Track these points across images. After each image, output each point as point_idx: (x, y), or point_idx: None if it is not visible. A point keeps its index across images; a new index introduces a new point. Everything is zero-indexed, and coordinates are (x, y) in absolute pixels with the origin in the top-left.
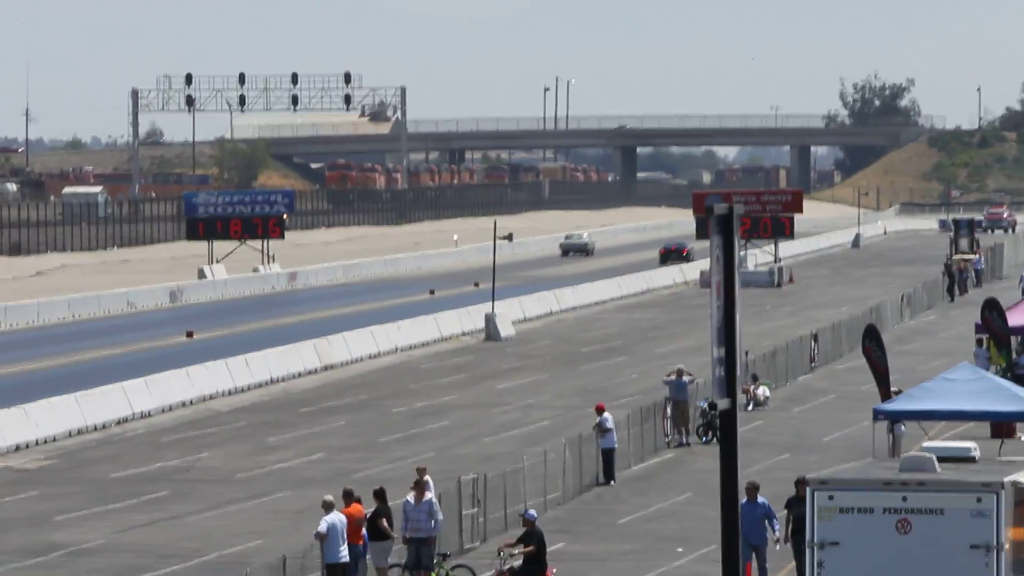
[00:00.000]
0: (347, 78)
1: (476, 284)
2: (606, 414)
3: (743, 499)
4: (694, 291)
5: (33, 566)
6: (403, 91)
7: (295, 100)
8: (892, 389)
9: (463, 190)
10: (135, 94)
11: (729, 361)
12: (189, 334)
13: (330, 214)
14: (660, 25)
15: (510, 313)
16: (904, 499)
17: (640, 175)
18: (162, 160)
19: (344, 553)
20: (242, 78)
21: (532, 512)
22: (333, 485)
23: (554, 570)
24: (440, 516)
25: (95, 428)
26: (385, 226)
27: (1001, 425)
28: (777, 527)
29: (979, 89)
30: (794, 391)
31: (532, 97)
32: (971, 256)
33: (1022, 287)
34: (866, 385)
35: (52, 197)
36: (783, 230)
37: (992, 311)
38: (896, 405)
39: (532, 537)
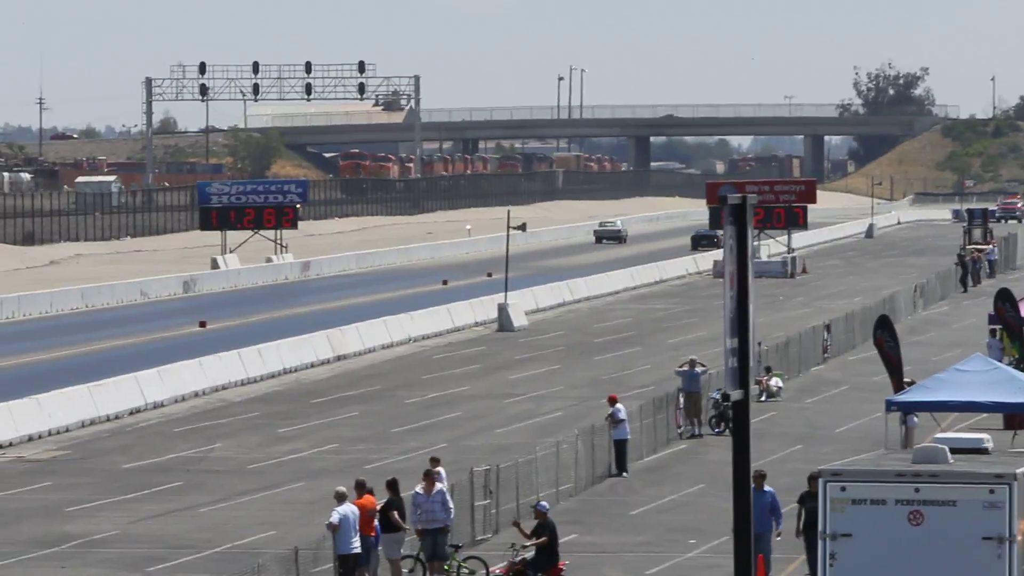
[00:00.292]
0: (361, 67)
1: (489, 274)
2: (619, 405)
3: None
4: (707, 281)
5: (46, 556)
6: (417, 80)
7: (309, 89)
8: (905, 380)
9: (476, 180)
10: (149, 83)
11: (742, 352)
12: (202, 324)
13: (343, 204)
14: (673, 15)
15: (523, 303)
16: (917, 490)
17: (654, 165)
18: (176, 149)
19: (356, 544)
20: (256, 67)
21: (544, 503)
22: (345, 476)
23: (566, 562)
24: (451, 505)
25: (108, 418)
26: (398, 216)
27: (1014, 416)
28: (780, 521)
29: (993, 78)
30: (807, 382)
31: (546, 87)
32: (985, 246)
33: None
34: (879, 376)
35: (66, 186)
36: (796, 220)
37: (1005, 302)
38: (909, 396)
39: (544, 528)
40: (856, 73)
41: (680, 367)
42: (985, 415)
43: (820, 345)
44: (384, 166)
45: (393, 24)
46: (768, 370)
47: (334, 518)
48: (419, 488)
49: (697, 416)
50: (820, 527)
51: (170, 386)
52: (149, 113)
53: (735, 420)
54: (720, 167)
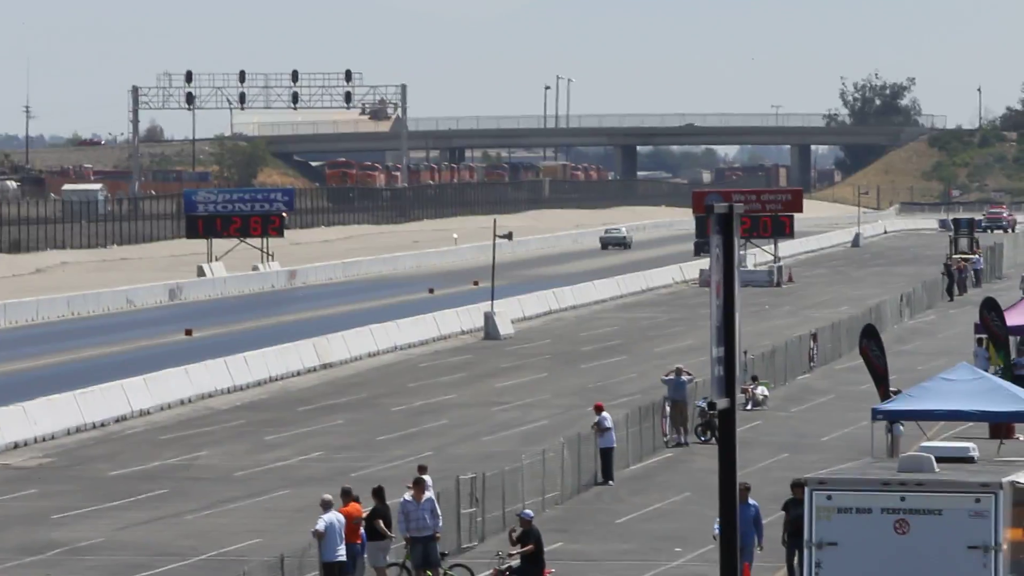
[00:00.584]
0: (347, 76)
1: (475, 283)
2: (605, 413)
3: None
4: (693, 290)
5: (32, 564)
6: (403, 89)
7: (295, 98)
8: (891, 389)
9: (463, 188)
10: (135, 91)
11: (728, 360)
12: (188, 332)
13: (330, 212)
14: (661, 24)
15: (509, 312)
16: (903, 499)
17: (640, 174)
18: (162, 158)
19: (341, 552)
20: (242, 76)
21: (528, 512)
22: (331, 484)
23: (552, 570)
24: (439, 512)
25: (94, 426)
26: (385, 224)
27: (1000, 425)
28: (761, 535)
29: (979, 88)
30: (793, 391)
31: (532, 95)
32: (971, 256)
33: (1022, 287)
34: (865, 385)
35: (52, 194)
36: (783, 229)
37: (991, 311)
38: (895, 405)
39: (529, 536)
40: (843, 83)
41: (666, 376)
42: (971, 424)
43: (806, 354)
44: (371, 175)
45: (380, 33)
46: (754, 379)
47: (320, 526)
48: (408, 496)
49: (683, 425)
50: (806, 535)
51: (156, 394)
52: (135, 121)
53: (721, 429)
54: (707, 176)
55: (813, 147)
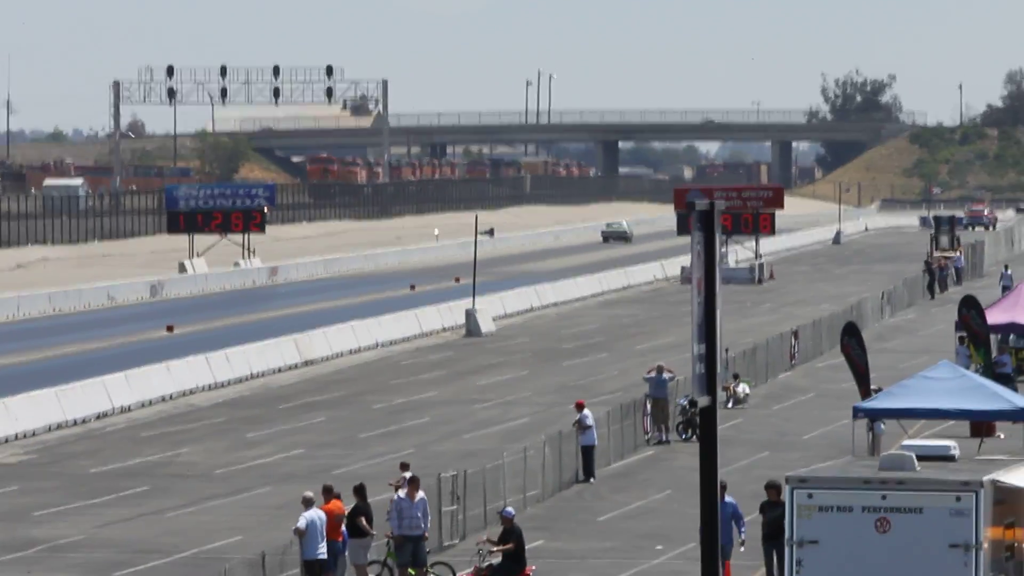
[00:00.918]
0: (329, 71)
1: (457, 279)
2: (586, 411)
3: None
4: (674, 287)
5: (12, 561)
6: (385, 84)
7: (276, 93)
8: (872, 387)
9: (444, 184)
10: (116, 86)
11: (709, 358)
12: (169, 328)
13: (311, 208)
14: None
15: (490, 309)
16: (883, 497)
17: (622, 170)
18: (143, 153)
19: (323, 550)
20: (223, 71)
21: (509, 510)
22: (313, 481)
23: (533, 567)
24: (429, 513)
25: (75, 423)
26: (366, 220)
27: (980, 424)
28: (743, 530)
29: (960, 85)
30: (774, 389)
31: (514, 92)
32: (952, 253)
33: (1002, 284)
34: (846, 383)
35: (33, 189)
36: (764, 226)
37: (971, 309)
38: (876, 403)
39: (511, 535)
40: (824, 80)
41: (648, 373)
42: (952, 422)
43: (787, 352)
44: (352, 170)
45: (361, 28)
46: (736, 377)
47: (301, 523)
48: (402, 494)
49: (665, 422)
50: (787, 534)
51: (137, 390)
52: (117, 116)
53: (702, 426)
54: (688, 173)
55: (794, 144)
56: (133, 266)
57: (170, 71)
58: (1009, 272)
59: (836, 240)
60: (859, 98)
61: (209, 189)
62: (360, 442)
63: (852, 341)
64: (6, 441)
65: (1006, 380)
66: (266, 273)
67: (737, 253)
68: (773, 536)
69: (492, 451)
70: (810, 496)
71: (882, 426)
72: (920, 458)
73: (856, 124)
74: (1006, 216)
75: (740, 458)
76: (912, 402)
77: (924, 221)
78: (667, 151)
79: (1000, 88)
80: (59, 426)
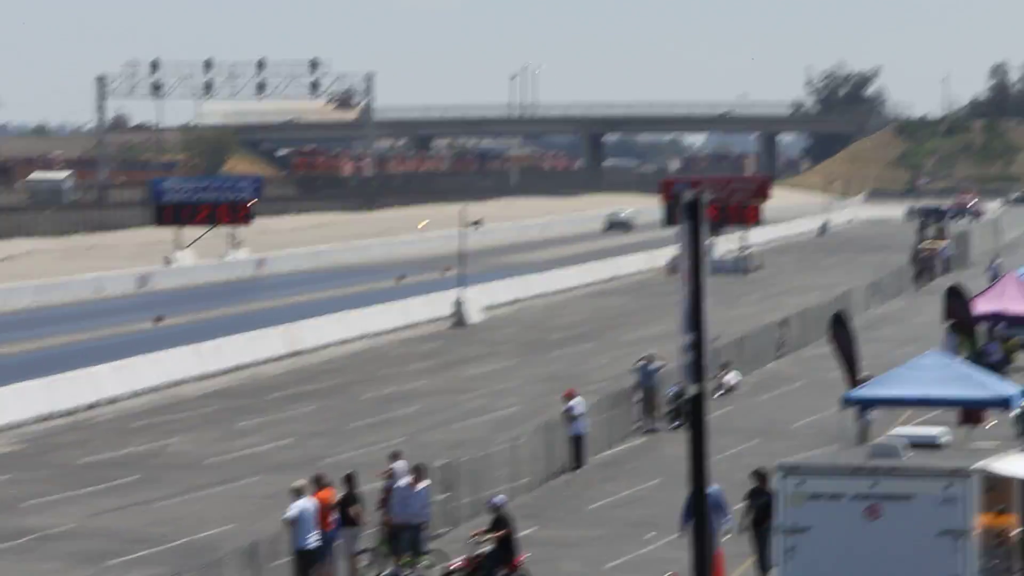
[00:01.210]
0: (314, 64)
1: (446, 269)
2: (575, 400)
3: None
4: (662, 278)
5: (3, 551)
6: (370, 78)
7: (262, 86)
8: (863, 374)
9: (430, 177)
10: (102, 80)
11: (698, 347)
12: (157, 319)
13: (297, 200)
14: (628, 12)
15: (478, 300)
16: (874, 485)
17: (607, 162)
18: (129, 146)
19: (314, 539)
20: (208, 64)
21: (499, 498)
22: (303, 470)
23: (525, 555)
24: (429, 503)
25: (64, 413)
26: (352, 213)
27: (970, 412)
28: (728, 518)
29: (945, 78)
30: (763, 377)
31: (500, 84)
32: (939, 243)
33: (989, 274)
34: (835, 372)
35: (19, 182)
36: (751, 217)
37: (956, 298)
38: (865, 392)
39: (502, 522)
40: (809, 72)
41: (636, 363)
42: (941, 410)
43: (775, 341)
44: (338, 163)
45: (346, 22)
46: (725, 365)
47: (291, 513)
48: (404, 482)
49: (654, 411)
50: (777, 521)
51: (126, 381)
52: (102, 110)
53: (692, 415)
54: (674, 164)
55: (780, 136)
56: (120, 258)
57: (155, 65)
58: (997, 262)
59: (823, 231)
60: (844, 90)
61: (195, 182)
62: (349, 431)
63: (840, 330)
64: None
65: (994, 368)
66: (253, 265)
67: (724, 243)
68: (759, 524)
69: (482, 440)
70: (800, 484)
71: (872, 414)
72: (910, 446)
73: (841, 116)
74: (992, 207)
75: (730, 447)
76: (901, 390)
77: (910, 212)
78: (653, 143)
79: (985, 80)
80: (47, 417)
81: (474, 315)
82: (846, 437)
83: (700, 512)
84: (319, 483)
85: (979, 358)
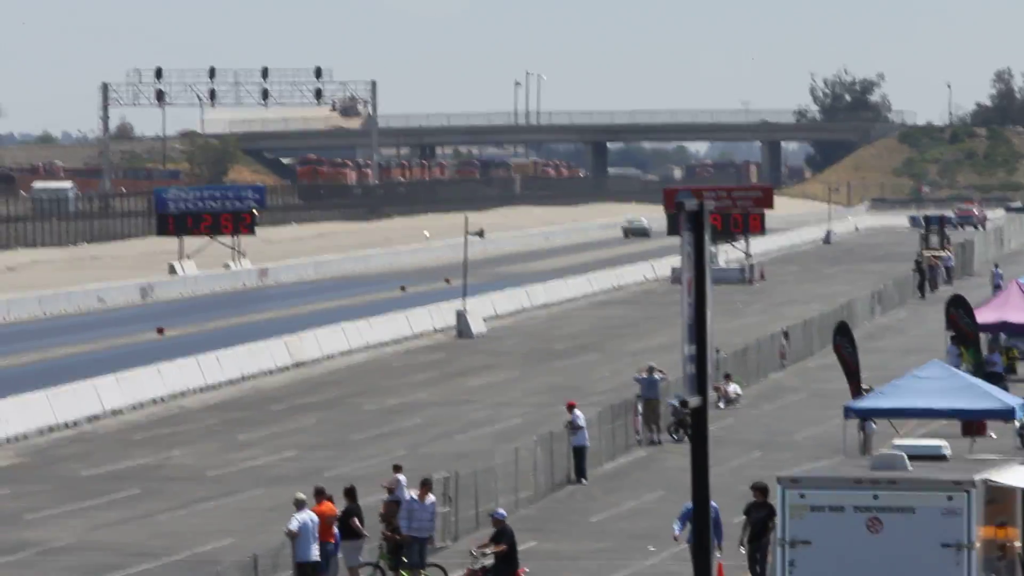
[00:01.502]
0: (318, 72)
1: (447, 280)
2: (577, 411)
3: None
4: (665, 288)
5: (4, 564)
6: (374, 85)
7: (265, 94)
8: (863, 387)
9: (434, 185)
10: (105, 88)
11: (700, 358)
12: (160, 331)
13: (301, 209)
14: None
15: (481, 310)
16: (875, 497)
17: (611, 171)
18: (132, 155)
19: (315, 551)
20: (212, 72)
21: (501, 511)
22: (304, 483)
23: (526, 569)
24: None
25: (66, 425)
26: (356, 222)
27: (972, 423)
28: (721, 538)
29: (949, 85)
30: (765, 389)
31: (503, 92)
32: (942, 253)
33: (993, 284)
34: (837, 383)
35: (22, 192)
36: (754, 226)
37: (958, 308)
38: (867, 403)
39: (503, 536)
40: (813, 79)
41: (639, 374)
42: (943, 422)
43: (778, 352)
44: (341, 172)
45: (350, 29)
46: (727, 377)
47: (293, 525)
48: (413, 494)
49: (656, 423)
50: (779, 534)
51: (128, 393)
52: (106, 118)
53: (694, 427)
54: (678, 173)
55: (783, 144)
56: (123, 268)
57: (159, 73)
58: (1000, 271)
59: (826, 240)
60: (848, 98)
61: (199, 191)
62: (351, 444)
63: (844, 340)
64: None
65: (997, 379)
66: (256, 275)
67: (728, 253)
68: (757, 537)
69: (484, 452)
70: (802, 496)
71: (873, 426)
72: (912, 458)
73: (845, 124)
74: (995, 215)
75: (731, 458)
76: (903, 401)
77: (914, 221)
78: (656, 151)
79: (989, 87)
80: (50, 429)
81: (477, 326)
82: (848, 448)
83: (702, 525)
84: (320, 496)
85: (982, 368)
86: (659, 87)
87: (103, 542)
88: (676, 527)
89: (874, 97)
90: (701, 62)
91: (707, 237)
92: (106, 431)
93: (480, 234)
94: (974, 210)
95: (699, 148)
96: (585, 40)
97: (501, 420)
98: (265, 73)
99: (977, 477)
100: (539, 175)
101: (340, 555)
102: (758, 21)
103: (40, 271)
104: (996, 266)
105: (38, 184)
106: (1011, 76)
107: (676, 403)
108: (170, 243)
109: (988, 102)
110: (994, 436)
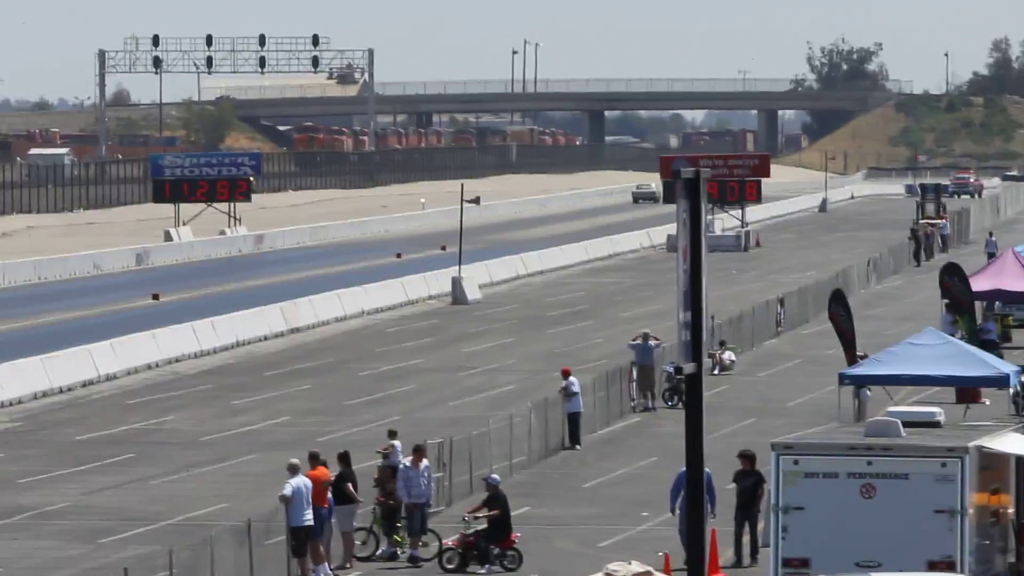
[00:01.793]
0: (315, 40)
1: (443, 247)
2: (572, 378)
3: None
4: (661, 255)
5: None
6: (371, 53)
7: (262, 62)
8: (858, 354)
9: (430, 153)
10: (102, 55)
11: (695, 325)
12: (155, 296)
13: (297, 177)
14: None
15: (477, 277)
16: (869, 464)
17: (608, 139)
18: (129, 122)
19: (309, 516)
20: (209, 40)
21: (495, 476)
22: (298, 448)
23: (519, 534)
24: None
25: (60, 390)
26: (352, 189)
27: (966, 390)
28: (715, 503)
29: (947, 54)
30: (760, 356)
31: (500, 60)
32: (937, 221)
33: (988, 252)
34: (832, 350)
35: (18, 158)
36: (750, 194)
37: (952, 276)
38: (862, 370)
39: (496, 501)
40: (810, 48)
41: (633, 340)
42: (937, 389)
43: (773, 319)
44: (338, 139)
45: None
46: (722, 344)
47: (287, 490)
48: (407, 461)
49: (651, 389)
50: (772, 500)
51: (123, 358)
52: (102, 85)
53: (688, 393)
54: (674, 141)
55: (780, 112)
56: (119, 235)
57: (156, 40)
58: (994, 239)
59: (822, 208)
60: (845, 66)
61: (195, 158)
62: (346, 409)
63: (839, 308)
64: None
65: (991, 347)
66: (252, 241)
67: (723, 221)
68: (746, 506)
69: (478, 418)
70: (796, 463)
71: (868, 392)
72: (906, 424)
73: (842, 92)
74: (992, 184)
75: (726, 425)
76: (898, 369)
77: (910, 189)
78: (653, 120)
79: (986, 56)
80: (44, 394)
81: (472, 292)
82: (842, 415)
83: (696, 491)
84: (315, 461)
85: (976, 336)
86: (656, 56)
87: (97, 506)
88: (672, 504)
89: (871, 66)
90: (698, 30)
91: (703, 205)
92: (101, 396)
93: (476, 201)
94: (970, 178)
95: (696, 117)
96: (582, 8)
97: (496, 386)
98: (262, 41)
99: (971, 444)
100: (535, 143)
101: (334, 520)
102: None
103: (36, 237)
104: (991, 234)
105: (34, 151)
106: (1008, 45)
107: (671, 370)
108: (166, 209)
109: (985, 71)
110: (988, 403)
